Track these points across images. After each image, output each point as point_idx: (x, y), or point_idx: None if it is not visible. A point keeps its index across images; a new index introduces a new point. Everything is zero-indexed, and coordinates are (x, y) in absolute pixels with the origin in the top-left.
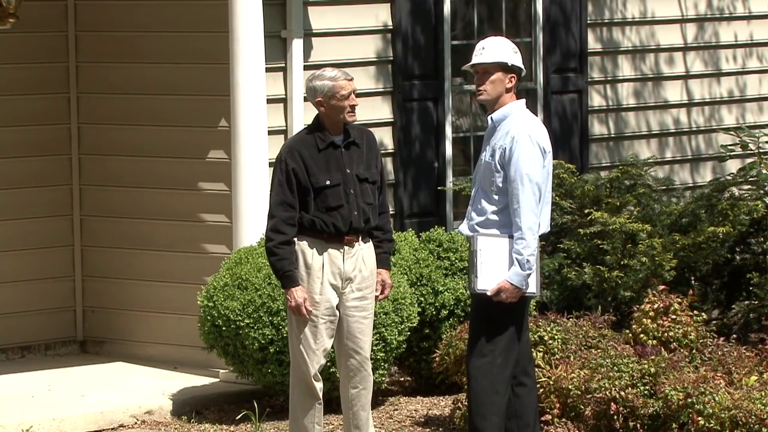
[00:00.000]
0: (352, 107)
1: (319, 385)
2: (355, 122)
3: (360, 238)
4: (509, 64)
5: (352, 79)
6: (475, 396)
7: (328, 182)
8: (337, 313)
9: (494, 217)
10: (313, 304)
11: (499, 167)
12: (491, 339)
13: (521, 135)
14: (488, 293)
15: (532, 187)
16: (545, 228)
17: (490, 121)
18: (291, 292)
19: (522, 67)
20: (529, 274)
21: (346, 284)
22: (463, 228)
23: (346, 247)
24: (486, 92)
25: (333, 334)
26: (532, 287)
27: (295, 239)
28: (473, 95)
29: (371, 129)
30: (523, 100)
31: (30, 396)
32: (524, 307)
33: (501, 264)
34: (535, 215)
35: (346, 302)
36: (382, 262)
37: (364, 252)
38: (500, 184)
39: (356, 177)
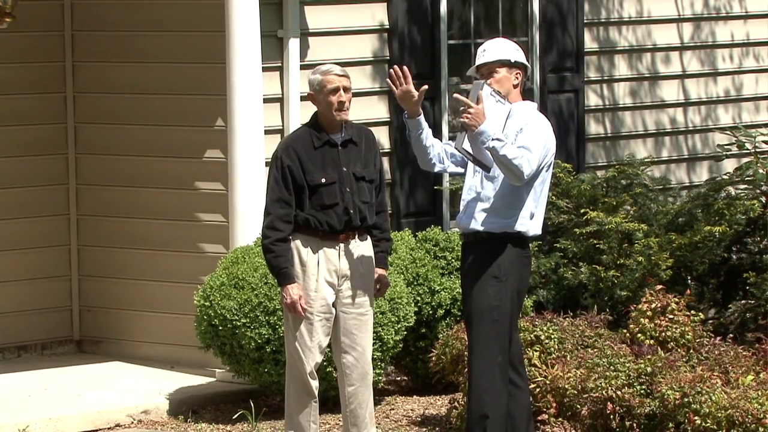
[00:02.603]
0: (340, 104)
1: (314, 383)
2: (347, 120)
3: (357, 236)
4: (512, 61)
5: (344, 76)
6: (478, 396)
7: (323, 180)
8: (333, 310)
9: (498, 203)
10: (308, 301)
11: None
12: (492, 338)
13: (539, 121)
14: (480, 91)
15: (536, 156)
16: (538, 230)
17: None
18: (286, 289)
19: (526, 63)
20: (481, 144)
21: (342, 281)
22: (459, 219)
23: (342, 245)
24: None
25: (329, 332)
26: (466, 144)
27: (290, 237)
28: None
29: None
30: (535, 104)
31: (27, 395)
32: (518, 306)
33: (490, 113)
34: (525, 168)
35: (342, 299)
36: (379, 261)
37: (361, 249)
38: None
39: (353, 175)
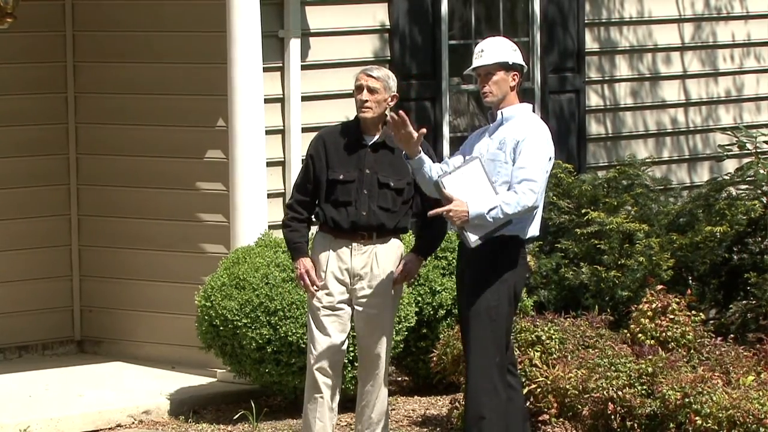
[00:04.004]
0: (360, 102)
1: (322, 379)
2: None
3: (375, 237)
4: (510, 63)
5: (372, 76)
6: (476, 397)
7: (341, 177)
8: (345, 308)
9: None
10: (318, 274)
11: (509, 159)
12: (489, 339)
13: (536, 132)
14: (444, 190)
15: (539, 178)
16: (536, 231)
17: (499, 115)
18: (299, 261)
19: (523, 63)
20: (485, 224)
21: (355, 280)
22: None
23: (354, 244)
24: (491, 94)
25: (343, 329)
26: (473, 237)
27: (309, 222)
28: (470, 95)
29: None
30: (531, 105)
31: (28, 396)
32: (515, 306)
33: (473, 191)
34: (527, 202)
35: (355, 298)
36: (415, 248)
37: (378, 250)
38: (507, 177)
39: (377, 180)
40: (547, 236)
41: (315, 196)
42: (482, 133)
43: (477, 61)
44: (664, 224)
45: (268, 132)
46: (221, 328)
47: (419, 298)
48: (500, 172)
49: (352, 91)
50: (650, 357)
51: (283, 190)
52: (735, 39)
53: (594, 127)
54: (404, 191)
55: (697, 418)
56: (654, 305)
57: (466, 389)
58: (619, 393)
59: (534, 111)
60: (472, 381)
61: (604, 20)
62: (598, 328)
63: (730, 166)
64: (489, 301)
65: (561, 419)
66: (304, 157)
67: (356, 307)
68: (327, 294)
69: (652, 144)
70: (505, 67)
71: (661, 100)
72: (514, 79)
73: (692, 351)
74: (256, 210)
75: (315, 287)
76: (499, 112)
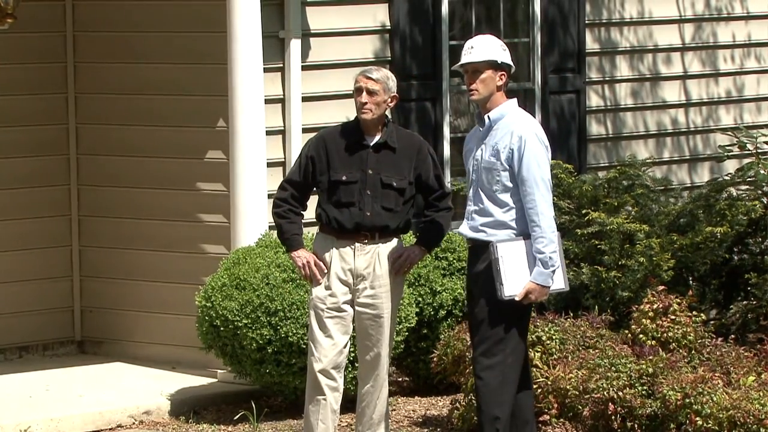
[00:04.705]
0: (360, 104)
1: (326, 382)
2: (385, 124)
3: (378, 238)
4: (499, 62)
5: (371, 78)
6: (486, 396)
7: (344, 178)
8: (349, 309)
9: (503, 218)
10: (323, 261)
11: (505, 165)
12: (502, 339)
13: (529, 135)
14: (516, 298)
15: (546, 185)
16: None
17: (487, 120)
18: (300, 251)
19: (511, 64)
20: (554, 271)
21: (358, 281)
22: (464, 229)
23: (357, 244)
24: (477, 91)
25: (346, 331)
26: (559, 283)
27: (302, 217)
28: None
29: None
30: (515, 99)
31: (28, 396)
32: (530, 306)
33: (523, 267)
34: (551, 211)
35: (358, 299)
36: (418, 240)
37: (381, 250)
38: (507, 183)
39: (380, 180)
40: None
41: (308, 195)
42: (474, 136)
43: (466, 58)
44: (664, 225)
45: (268, 132)
46: (222, 328)
47: (420, 299)
48: (498, 180)
49: (352, 92)
50: (651, 357)
51: None
52: (735, 39)
53: (594, 128)
54: (406, 191)
55: (697, 418)
56: (655, 306)
57: (477, 390)
58: (620, 393)
59: (530, 109)
60: (482, 382)
61: (604, 21)
62: (599, 328)
63: (730, 166)
64: (506, 302)
65: (561, 420)
66: (301, 156)
67: (358, 307)
68: (330, 295)
69: (653, 144)
70: (494, 65)
71: (662, 100)
72: (501, 79)
73: (693, 351)
74: (256, 210)
75: (320, 277)
76: (486, 117)
